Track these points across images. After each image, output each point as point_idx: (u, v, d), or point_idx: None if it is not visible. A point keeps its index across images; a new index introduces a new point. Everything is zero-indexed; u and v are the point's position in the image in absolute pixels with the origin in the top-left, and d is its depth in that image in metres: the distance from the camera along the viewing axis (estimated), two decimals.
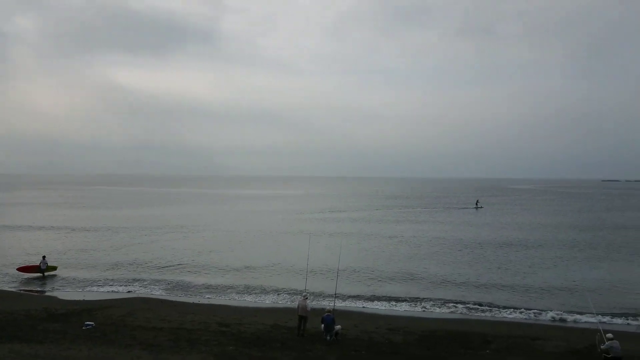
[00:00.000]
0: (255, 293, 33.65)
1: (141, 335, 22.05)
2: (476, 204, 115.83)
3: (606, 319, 27.20)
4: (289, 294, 33.03)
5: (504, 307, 29.97)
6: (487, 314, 29.02)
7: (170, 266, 42.12)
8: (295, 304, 24.93)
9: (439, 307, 30.17)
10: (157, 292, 33.81)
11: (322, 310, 24.01)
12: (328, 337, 22.08)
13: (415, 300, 31.61)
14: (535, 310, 29.18)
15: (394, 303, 31.04)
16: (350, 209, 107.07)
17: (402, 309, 30.01)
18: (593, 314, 25.02)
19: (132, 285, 35.57)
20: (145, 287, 35.20)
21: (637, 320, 27.51)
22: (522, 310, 29.30)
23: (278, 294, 33.21)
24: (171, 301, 31.46)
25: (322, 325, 22.34)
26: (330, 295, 29.20)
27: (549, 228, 72.35)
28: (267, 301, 31.84)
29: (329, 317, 22.25)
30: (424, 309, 29.91)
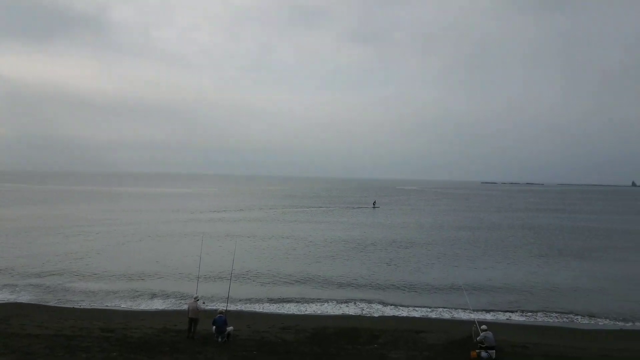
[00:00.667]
0: (142, 297, 32.08)
1: (15, 343, 20.24)
2: (373, 204, 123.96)
3: (481, 312, 29.43)
4: (178, 297, 31.92)
5: (392, 304, 31.31)
6: (377, 311, 30.11)
7: (49, 270, 38.99)
8: (185, 307, 24.20)
9: (331, 306, 30.75)
10: (33, 298, 31.17)
11: (215, 312, 23.55)
12: (219, 339, 21.70)
13: (307, 299, 31.99)
14: (421, 306, 30.83)
15: (287, 303, 31.14)
16: (245, 209, 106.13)
17: (295, 308, 30.21)
18: (470, 309, 26.94)
19: (2, 292, 32.49)
20: (19, 292, 32.34)
21: (506, 314, 30.00)
22: (409, 306, 30.78)
23: (167, 298, 32.01)
24: (49, 307, 29.16)
25: (214, 327, 21.92)
26: (222, 298, 28.71)
27: (435, 227, 77.03)
28: (156, 305, 30.52)
29: (221, 319, 21.88)
30: (316, 308, 30.34)
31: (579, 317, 29.51)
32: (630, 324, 28.42)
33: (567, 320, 28.89)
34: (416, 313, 29.66)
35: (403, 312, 29.70)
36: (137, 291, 33.41)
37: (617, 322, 28.62)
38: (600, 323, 28.48)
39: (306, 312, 29.51)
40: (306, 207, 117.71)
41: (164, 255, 46.29)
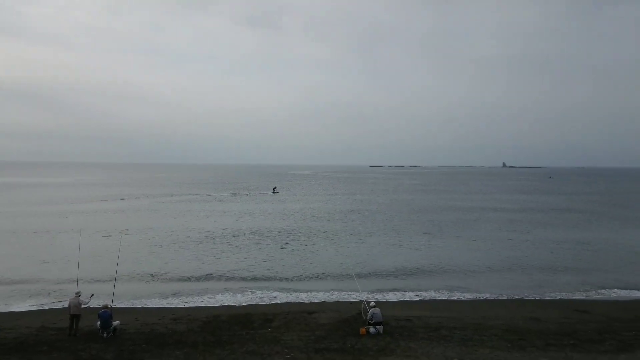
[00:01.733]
0: (17, 297, 29.43)
1: None
2: (274, 190, 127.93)
3: (370, 292, 30.81)
4: (58, 295, 29.70)
5: (286, 290, 31.63)
6: (270, 297, 30.20)
7: None
8: (66, 304, 22.58)
9: (226, 296, 30.24)
10: None
11: (99, 308, 22.28)
12: (105, 334, 20.64)
13: (200, 291, 31.20)
14: (314, 290, 31.47)
15: (178, 297, 30.02)
16: (128, 198, 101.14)
17: (187, 299, 29.38)
18: (359, 290, 28.03)
19: None
20: None
21: (392, 292, 31.78)
22: (303, 291, 31.26)
23: (47, 296, 29.72)
24: None
25: (98, 322, 20.79)
26: (107, 293, 27.11)
27: (328, 211, 78.95)
28: (33, 304, 28.17)
29: (106, 313, 20.79)
30: (209, 299, 29.66)
31: (457, 290, 31.88)
32: (501, 295, 31.26)
33: (448, 294, 31.07)
34: (309, 295, 30.25)
35: (296, 296, 30.17)
36: (12, 291, 30.65)
37: (492, 294, 31.33)
38: (481, 296, 30.97)
39: (197, 302, 28.79)
40: (193, 194, 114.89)
41: (39, 251, 42.83)
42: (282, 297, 30.00)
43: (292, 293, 30.82)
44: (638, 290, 31.99)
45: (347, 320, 23.44)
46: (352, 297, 29.57)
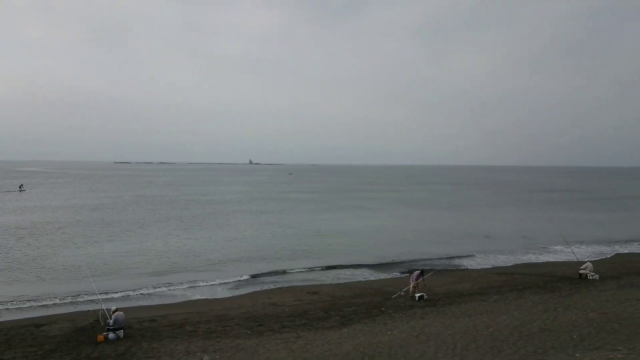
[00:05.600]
0: None
1: None
2: (20, 187, 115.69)
3: (110, 295, 29.13)
4: None
5: (6, 302, 27.74)
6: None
7: None
8: None
9: None
10: None
11: None
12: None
13: None
14: (43, 298, 28.30)
15: None
16: None
17: None
18: (97, 293, 26.21)
19: None
20: None
21: (135, 292, 30.67)
22: (31, 300, 27.89)
23: None
24: None
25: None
26: None
27: (69, 210, 71.35)
28: None
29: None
30: None
31: (203, 285, 32.46)
32: (246, 284, 32.88)
33: (192, 290, 31.33)
34: (36, 306, 27.04)
35: (20, 308, 26.65)
36: None
37: (237, 285, 32.70)
38: (226, 287, 31.97)
39: None
40: None
41: None
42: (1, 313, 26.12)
43: (14, 305, 27.08)
44: (355, 267, 37.30)
45: (83, 329, 21.66)
46: (90, 303, 27.50)
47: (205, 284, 32.64)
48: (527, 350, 15.95)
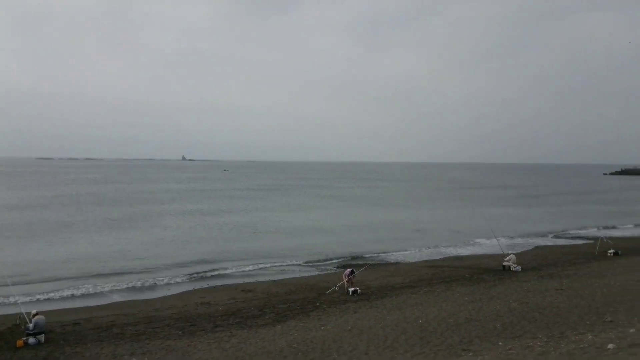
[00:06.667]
0: None
1: None
2: None
3: (29, 297, 27.63)
4: None
5: None
6: None
7: None
8: None
9: None
10: None
11: None
12: None
13: None
14: None
15: None
16: None
17: None
18: (14, 296, 24.76)
19: None
20: None
21: (58, 293, 29.23)
22: None
23: None
24: None
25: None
26: None
27: None
28: None
29: None
30: None
31: (137, 286, 31.38)
32: (176, 284, 32.09)
33: (124, 294, 30.18)
34: None
35: None
36: None
37: (168, 285, 31.84)
38: (156, 288, 31.02)
39: None
40: None
41: None
42: None
43: None
44: (291, 263, 37.32)
45: (1, 335, 20.31)
46: (7, 306, 25.92)
47: (134, 284, 31.55)
48: (453, 340, 16.54)
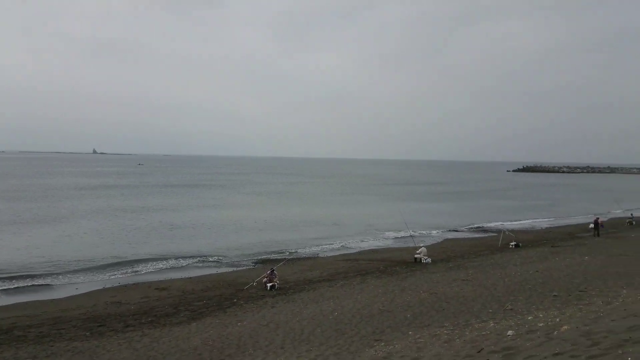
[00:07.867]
0: None
1: None
2: None
3: None
4: None
5: None
6: None
7: None
8: None
9: None
10: None
11: None
12: None
13: None
14: None
15: None
16: None
17: None
18: None
19: None
20: None
21: None
22: None
23: None
24: None
25: None
26: None
27: None
28: None
29: None
30: None
31: (40, 285, 29.56)
32: (83, 284, 30.56)
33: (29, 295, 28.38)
34: None
35: None
36: None
37: (76, 285, 30.23)
38: (64, 288, 29.35)
39: None
40: None
41: None
42: None
43: None
44: (208, 260, 36.74)
45: None
46: None
47: (38, 283, 29.70)
48: (367, 330, 17.09)
